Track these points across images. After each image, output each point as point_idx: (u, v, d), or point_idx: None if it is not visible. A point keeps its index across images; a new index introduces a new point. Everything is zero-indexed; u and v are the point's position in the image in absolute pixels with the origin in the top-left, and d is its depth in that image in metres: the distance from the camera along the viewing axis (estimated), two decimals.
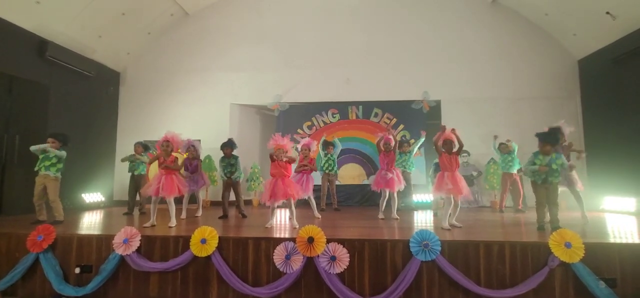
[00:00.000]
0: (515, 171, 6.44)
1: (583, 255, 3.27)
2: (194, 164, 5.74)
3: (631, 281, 3.28)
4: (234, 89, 8.58)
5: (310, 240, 3.52)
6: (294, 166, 4.95)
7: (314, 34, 8.51)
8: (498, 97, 7.99)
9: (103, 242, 3.84)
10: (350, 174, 8.22)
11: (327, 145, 7.00)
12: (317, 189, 6.84)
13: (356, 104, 8.45)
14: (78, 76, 7.40)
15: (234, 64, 8.58)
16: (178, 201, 4.84)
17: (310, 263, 3.51)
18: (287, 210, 4.74)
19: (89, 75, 7.62)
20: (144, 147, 6.40)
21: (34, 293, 3.80)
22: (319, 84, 8.39)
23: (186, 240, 3.70)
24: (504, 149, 6.52)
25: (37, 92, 6.57)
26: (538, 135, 4.50)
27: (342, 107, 8.48)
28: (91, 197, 7.38)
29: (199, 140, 8.24)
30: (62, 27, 6.80)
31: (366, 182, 8.06)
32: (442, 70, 8.18)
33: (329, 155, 6.91)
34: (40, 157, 4.88)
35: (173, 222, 4.56)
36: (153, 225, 4.50)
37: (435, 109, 8.25)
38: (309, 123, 8.50)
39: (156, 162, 4.66)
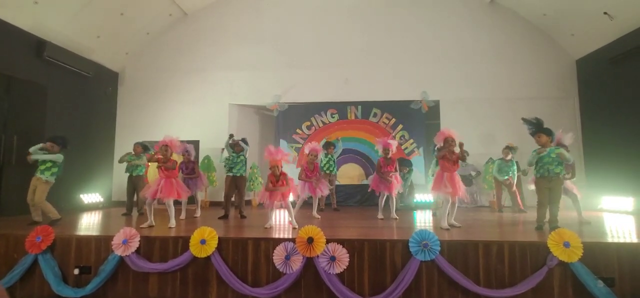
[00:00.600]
0: (505, 178, 6.41)
1: (581, 254, 3.28)
2: (190, 167, 5.73)
3: (629, 280, 3.30)
4: (233, 89, 8.57)
5: (310, 240, 3.52)
6: (297, 173, 4.96)
7: (312, 34, 8.52)
8: (496, 97, 8.01)
9: (102, 243, 3.83)
10: (350, 174, 8.23)
11: (328, 145, 7.01)
12: None
13: (355, 104, 8.46)
14: (76, 76, 7.38)
15: (233, 64, 8.57)
16: (177, 202, 4.83)
17: (309, 264, 3.51)
18: (286, 211, 4.74)
19: (88, 76, 7.60)
20: (143, 147, 6.39)
21: (33, 294, 3.78)
22: (318, 84, 8.39)
23: (185, 241, 3.70)
24: (505, 154, 6.49)
25: (35, 92, 6.54)
26: (524, 120, 4.67)
27: (341, 107, 8.48)
28: (90, 197, 7.36)
29: (198, 141, 8.28)
30: (60, 27, 6.78)
31: (365, 181, 8.07)
32: (440, 71, 8.20)
33: (329, 156, 6.92)
34: (39, 161, 4.88)
35: (172, 223, 4.55)
36: (151, 226, 4.50)
37: (434, 109, 8.27)
38: (308, 123, 8.50)
39: (155, 163, 4.65)
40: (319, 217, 5.58)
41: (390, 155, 5.38)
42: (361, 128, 8.40)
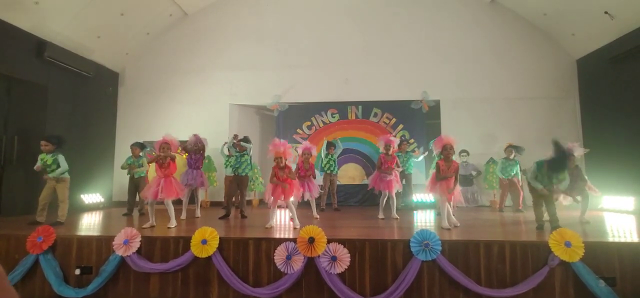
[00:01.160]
0: (512, 175, 6.43)
1: (583, 254, 3.28)
2: (197, 158, 5.72)
3: (630, 280, 3.30)
4: (233, 89, 8.57)
5: (311, 240, 3.52)
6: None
7: (313, 34, 8.52)
8: (497, 97, 8.00)
9: (103, 243, 3.83)
10: (350, 174, 8.23)
11: (329, 145, 7.02)
12: None
13: (355, 103, 8.45)
14: (77, 77, 7.38)
15: (233, 64, 8.57)
16: (177, 202, 4.83)
17: (311, 264, 3.51)
18: (288, 211, 4.75)
19: (88, 76, 7.59)
20: (140, 147, 6.39)
21: (34, 294, 3.78)
22: (318, 84, 8.39)
23: (186, 241, 3.70)
24: (509, 154, 6.49)
25: (35, 92, 6.55)
26: (549, 163, 4.20)
27: (341, 107, 8.48)
28: (90, 197, 7.36)
29: (205, 139, 8.28)
30: (61, 28, 6.78)
31: (366, 181, 8.06)
32: (441, 71, 8.20)
33: (330, 156, 6.92)
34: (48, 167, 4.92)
35: (173, 223, 4.55)
36: (152, 226, 4.50)
37: (434, 109, 8.27)
38: (308, 123, 8.50)
39: (154, 163, 4.66)
40: (318, 217, 5.57)
41: (391, 151, 5.39)
42: (362, 128, 8.40)
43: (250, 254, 3.66)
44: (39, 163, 4.89)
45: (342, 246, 3.52)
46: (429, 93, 8.19)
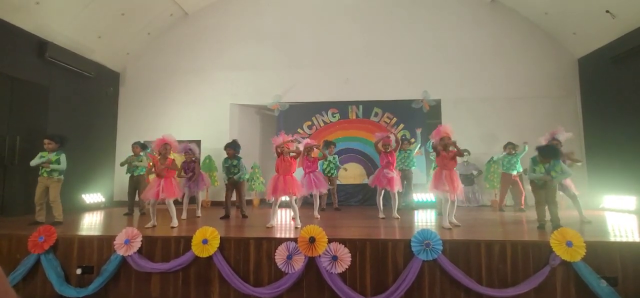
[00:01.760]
0: (515, 173, 6.43)
1: (584, 254, 3.27)
2: (191, 167, 5.73)
3: (632, 279, 3.29)
4: (234, 89, 8.57)
5: (312, 240, 3.53)
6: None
7: (313, 33, 8.51)
8: (498, 96, 7.99)
9: (104, 243, 3.84)
10: (351, 174, 8.21)
11: (328, 144, 7.03)
12: None
13: (356, 103, 8.45)
14: (78, 77, 7.39)
15: (234, 63, 8.57)
16: (177, 202, 4.84)
17: (311, 263, 3.51)
18: (289, 210, 4.76)
19: (89, 76, 7.60)
20: (141, 146, 6.40)
21: (35, 294, 3.79)
22: (319, 83, 8.39)
23: (187, 241, 3.70)
24: (510, 150, 6.50)
25: (37, 92, 6.56)
26: (539, 149, 4.53)
27: (342, 107, 8.48)
28: (91, 197, 7.37)
29: (199, 141, 8.29)
30: (62, 28, 6.79)
31: (366, 181, 8.06)
32: (441, 70, 8.19)
33: (330, 158, 6.94)
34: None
35: (175, 223, 4.56)
36: (154, 226, 4.50)
37: (435, 109, 8.26)
38: (309, 123, 8.50)
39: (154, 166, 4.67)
40: (319, 216, 5.57)
41: (390, 149, 5.39)
42: (362, 127, 8.39)
43: (251, 254, 3.66)
44: (39, 159, 4.88)
45: (343, 246, 3.52)
46: (430, 92, 8.18)
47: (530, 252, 3.42)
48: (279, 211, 4.96)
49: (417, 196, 7.25)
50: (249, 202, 7.68)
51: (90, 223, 5.22)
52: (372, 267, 3.51)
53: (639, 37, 6.12)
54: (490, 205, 7.51)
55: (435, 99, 8.20)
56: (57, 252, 3.85)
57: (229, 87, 8.55)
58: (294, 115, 8.48)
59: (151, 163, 4.77)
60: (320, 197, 6.74)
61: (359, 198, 8.07)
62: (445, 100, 8.16)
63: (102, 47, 7.80)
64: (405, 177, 6.89)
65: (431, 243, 3.42)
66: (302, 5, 8.62)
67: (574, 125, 7.68)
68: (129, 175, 6.41)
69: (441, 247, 3.42)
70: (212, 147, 8.15)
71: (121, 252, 3.67)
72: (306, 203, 5.90)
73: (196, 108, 8.51)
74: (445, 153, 4.41)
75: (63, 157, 4.98)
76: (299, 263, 3.49)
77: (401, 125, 8.29)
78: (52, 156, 4.90)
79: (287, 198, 4.64)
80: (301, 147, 5.85)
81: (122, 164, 6.42)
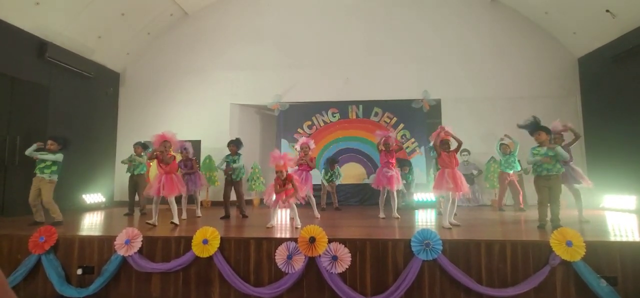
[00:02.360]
0: (512, 172, 6.43)
1: (584, 253, 3.27)
2: (189, 164, 5.74)
3: (632, 279, 3.29)
4: (234, 89, 8.57)
5: (312, 240, 3.53)
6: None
7: (313, 33, 8.51)
8: (498, 96, 7.99)
9: (105, 243, 3.84)
10: (351, 174, 8.22)
11: (332, 162, 7.05)
12: (317, 188, 6.87)
13: (356, 103, 8.45)
14: (78, 77, 7.40)
15: (234, 63, 8.57)
16: (177, 201, 4.84)
17: (311, 263, 3.52)
18: (289, 210, 4.76)
19: (89, 76, 7.61)
20: (143, 146, 6.41)
21: (36, 294, 3.79)
22: (319, 83, 8.39)
23: (188, 241, 3.71)
24: (506, 149, 6.51)
25: (37, 93, 6.56)
26: (519, 126, 4.73)
27: (342, 107, 8.48)
28: (92, 197, 7.38)
29: (199, 141, 8.29)
30: (62, 28, 6.79)
31: (366, 181, 8.07)
32: (442, 70, 8.19)
33: (330, 172, 6.96)
34: (37, 160, 4.90)
35: (176, 220, 4.57)
36: (154, 225, 4.50)
37: (435, 108, 8.26)
38: (309, 122, 8.50)
39: (155, 161, 4.68)
40: (319, 216, 5.58)
41: (391, 148, 5.40)
42: (362, 127, 8.40)
43: (252, 254, 3.66)
44: (34, 149, 4.86)
45: (343, 246, 3.53)
46: (430, 92, 8.18)
47: (530, 252, 3.42)
48: (279, 211, 4.96)
49: (417, 196, 7.26)
50: (249, 202, 7.68)
51: (91, 224, 5.23)
52: (372, 266, 3.52)
53: (639, 36, 6.12)
54: (490, 205, 7.51)
55: (435, 99, 8.20)
56: (58, 252, 3.86)
57: (229, 87, 8.56)
58: (294, 115, 8.49)
59: (152, 151, 4.75)
60: (320, 197, 6.78)
61: (359, 198, 8.08)
62: (446, 99, 8.16)
63: (102, 47, 7.81)
64: (404, 177, 6.89)
65: (431, 243, 3.42)
66: (302, 5, 8.62)
67: (574, 124, 7.63)
68: (129, 175, 6.41)
69: (441, 247, 3.42)
70: (212, 147, 8.16)
71: (122, 252, 3.68)
72: (307, 202, 5.90)
73: (196, 108, 8.51)
74: (446, 154, 4.41)
75: (58, 155, 4.95)
76: (299, 263, 3.49)
77: (401, 125, 8.29)
78: (50, 156, 4.90)
79: None
80: (298, 146, 5.92)
81: (123, 162, 6.44)
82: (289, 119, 8.49)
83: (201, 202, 6.27)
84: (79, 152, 6.56)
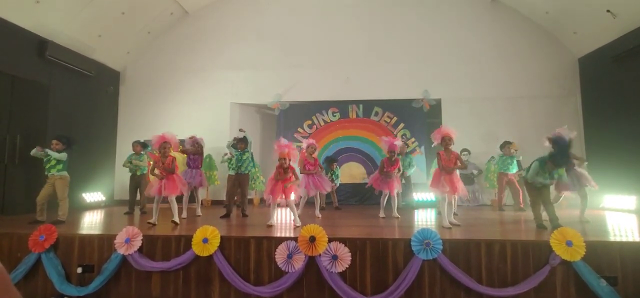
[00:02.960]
0: (512, 172, 6.42)
1: (584, 253, 3.28)
2: (196, 158, 5.73)
3: (632, 279, 3.29)
4: (234, 88, 8.56)
5: (312, 239, 3.53)
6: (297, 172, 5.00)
7: (313, 32, 8.50)
8: (498, 96, 7.98)
9: (105, 242, 3.84)
10: (351, 173, 8.22)
11: (331, 161, 7.03)
12: None
13: (356, 102, 8.45)
14: (78, 75, 7.39)
15: (234, 63, 8.57)
16: (178, 200, 4.84)
17: (312, 262, 3.52)
18: (289, 210, 4.76)
19: (89, 75, 7.60)
20: (142, 145, 6.41)
21: (36, 293, 3.79)
22: (319, 82, 8.38)
23: (188, 240, 3.71)
24: (506, 151, 6.50)
25: (37, 91, 6.56)
26: (553, 158, 4.23)
27: (342, 106, 8.48)
28: (92, 196, 7.38)
29: (202, 139, 8.26)
30: (62, 27, 6.79)
31: (366, 180, 8.06)
32: (442, 69, 8.18)
33: (331, 172, 6.97)
34: (44, 160, 4.91)
35: (177, 219, 4.57)
36: (154, 224, 4.51)
37: (435, 108, 8.25)
38: (309, 122, 8.50)
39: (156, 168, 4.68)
40: (320, 216, 5.57)
41: (394, 157, 5.36)
42: (363, 127, 8.40)
43: (252, 253, 3.66)
44: (36, 150, 4.87)
45: (343, 245, 3.53)
46: (430, 92, 8.18)
47: (530, 252, 3.42)
48: (278, 209, 4.97)
49: (417, 195, 7.26)
50: (249, 201, 7.68)
51: (91, 222, 5.23)
52: (372, 266, 3.52)
53: None
54: (490, 205, 7.51)
55: (435, 98, 8.20)
56: (58, 250, 3.86)
57: (229, 86, 8.55)
58: (294, 115, 8.48)
59: (151, 163, 4.77)
60: (320, 196, 6.76)
61: (359, 197, 8.07)
62: (446, 99, 8.16)
63: (102, 46, 7.80)
64: (404, 176, 6.89)
65: (431, 242, 3.43)
66: (302, 4, 8.61)
67: (574, 124, 7.66)
68: (130, 174, 6.42)
69: (441, 247, 3.43)
70: (213, 146, 8.14)
71: (122, 250, 3.68)
72: (307, 202, 5.90)
73: (196, 107, 8.50)
74: (446, 157, 4.41)
75: (63, 154, 4.98)
76: (299, 262, 3.49)
77: (401, 125, 8.29)
78: (54, 155, 4.92)
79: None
80: (304, 145, 5.89)
81: (124, 165, 6.45)
82: (289, 118, 8.48)
83: (201, 201, 6.26)
84: (79, 150, 6.51)
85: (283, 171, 4.54)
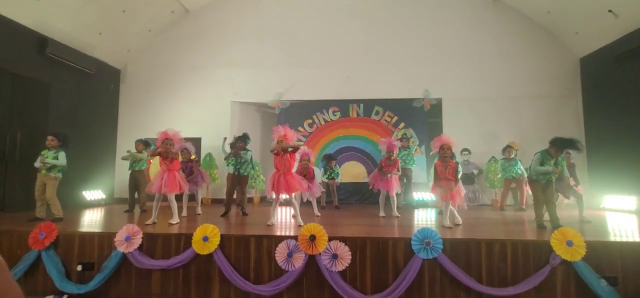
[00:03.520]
0: (516, 176, 6.41)
1: (584, 253, 3.27)
2: (189, 166, 5.71)
3: (632, 279, 3.29)
4: (235, 87, 8.56)
5: (312, 238, 3.53)
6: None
7: (314, 31, 8.49)
8: (499, 96, 7.97)
9: (105, 240, 3.84)
10: (351, 172, 8.22)
11: (329, 158, 7.00)
12: None
13: (357, 102, 8.44)
14: (79, 73, 7.39)
15: (235, 61, 8.56)
16: (178, 199, 4.84)
17: (312, 261, 3.51)
18: (290, 208, 4.75)
19: (90, 73, 7.60)
20: (144, 144, 6.41)
21: (36, 290, 3.79)
22: (320, 81, 8.38)
23: (188, 238, 3.70)
24: (508, 155, 6.48)
25: (38, 89, 6.56)
26: (556, 142, 4.34)
27: (343, 105, 8.47)
28: (92, 194, 7.38)
29: (200, 138, 8.28)
30: (63, 24, 6.78)
31: (367, 179, 8.05)
32: (443, 69, 8.17)
33: (330, 170, 6.95)
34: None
35: (175, 219, 4.56)
36: (154, 223, 4.51)
37: (436, 107, 8.25)
38: (310, 121, 8.50)
39: (157, 158, 4.66)
40: (320, 215, 5.57)
41: (393, 157, 5.37)
42: (363, 126, 8.39)
43: (252, 251, 3.66)
44: (39, 163, 4.88)
45: (343, 244, 3.52)
46: (431, 91, 8.17)
47: (531, 252, 3.42)
48: (279, 209, 4.95)
49: (418, 195, 7.25)
50: (250, 200, 7.68)
51: (91, 220, 5.23)
52: (373, 265, 3.51)
53: None
54: (490, 204, 7.51)
55: (436, 98, 8.19)
56: (58, 248, 3.86)
57: (230, 85, 8.55)
58: (295, 113, 8.47)
59: (155, 149, 4.72)
60: (319, 195, 6.74)
61: (359, 196, 8.07)
62: (446, 99, 8.15)
63: (103, 44, 7.80)
64: (405, 175, 6.88)
65: (431, 241, 3.42)
66: (303, 3, 8.60)
67: (575, 124, 7.67)
68: (129, 172, 6.41)
69: (441, 246, 3.42)
70: (213, 145, 8.15)
71: (122, 248, 3.68)
72: (307, 202, 5.90)
73: (197, 105, 8.50)
74: (442, 168, 4.40)
75: (61, 155, 4.95)
76: (299, 261, 3.49)
77: (402, 124, 8.28)
78: (51, 154, 4.90)
79: (287, 196, 4.64)
80: (298, 156, 5.83)
81: (123, 158, 6.43)
82: (289, 117, 8.46)
83: (201, 199, 6.26)
84: (79, 148, 6.55)
85: (283, 150, 4.46)
